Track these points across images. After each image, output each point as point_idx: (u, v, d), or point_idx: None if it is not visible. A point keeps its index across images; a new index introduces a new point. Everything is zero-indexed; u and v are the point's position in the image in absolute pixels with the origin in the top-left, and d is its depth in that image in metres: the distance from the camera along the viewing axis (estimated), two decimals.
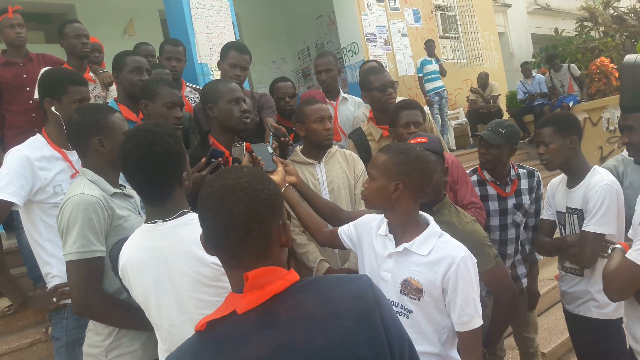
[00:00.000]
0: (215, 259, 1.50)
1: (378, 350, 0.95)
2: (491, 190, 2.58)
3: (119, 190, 1.89)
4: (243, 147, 2.20)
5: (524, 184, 2.62)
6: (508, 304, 2.23)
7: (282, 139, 2.54)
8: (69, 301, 1.88)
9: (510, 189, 2.58)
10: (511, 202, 2.57)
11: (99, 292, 1.75)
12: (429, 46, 8.04)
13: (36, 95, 3.18)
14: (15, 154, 2.04)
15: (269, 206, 1.01)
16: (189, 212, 1.59)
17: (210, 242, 1.04)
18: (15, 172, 1.98)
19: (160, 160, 1.51)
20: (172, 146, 1.54)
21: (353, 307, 0.97)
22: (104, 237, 1.76)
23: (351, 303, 0.97)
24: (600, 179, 2.25)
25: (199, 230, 1.52)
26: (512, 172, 2.61)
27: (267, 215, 1.01)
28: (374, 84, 2.93)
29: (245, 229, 0.98)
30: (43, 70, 2.42)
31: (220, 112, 2.29)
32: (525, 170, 2.65)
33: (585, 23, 10.86)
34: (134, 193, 1.98)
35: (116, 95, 2.99)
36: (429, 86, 7.92)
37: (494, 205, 2.57)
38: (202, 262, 1.50)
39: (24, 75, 3.48)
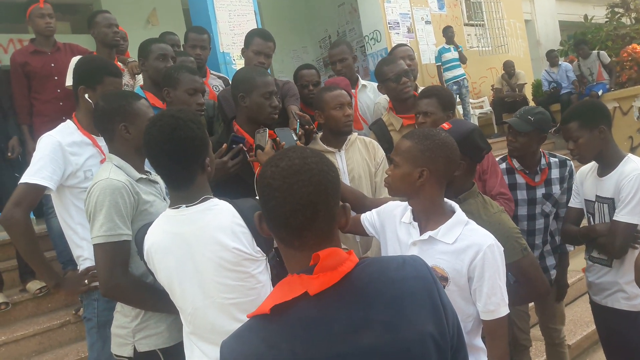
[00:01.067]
0: (238, 245, 1.53)
1: (441, 328, 0.98)
2: (520, 179, 2.54)
3: (144, 176, 1.92)
4: (266, 134, 2.21)
5: (555, 173, 2.56)
6: (534, 297, 2.19)
7: (307, 126, 2.54)
8: None
9: (540, 178, 2.53)
10: (540, 191, 2.52)
11: (125, 275, 1.78)
12: (448, 33, 7.82)
13: (68, 82, 3.25)
14: (48, 139, 2.08)
15: (334, 188, 1.01)
16: (212, 197, 1.61)
17: (274, 223, 1.01)
18: (48, 157, 2.03)
19: (183, 145, 1.53)
20: (195, 132, 1.55)
21: (417, 287, 0.99)
22: (130, 222, 1.79)
23: (414, 283, 1.00)
24: (634, 168, 2.19)
25: (222, 216, 1.55)
26: (543, 161, 2.55)
27: (333, 197, 1.00)
28: (388, 74, 2.89)
29: (313, 210, 0.97)
30: (80, 57, 2.45)
31: (251, 103, 2.28)
32: (557, 159, 2.59)
33: (616, 9, 10.50)
34: (159, 179, 2.01)
35: (142, 83, 3.03)
36: (447, 75, 7.70)
37: (522, 195, 2.52)
38: (225, 247, 1.53)
39: (52, 65, 3.55)
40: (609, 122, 2.30)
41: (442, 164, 1.63)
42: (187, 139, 1.53)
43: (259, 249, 1.58)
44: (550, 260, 2.63)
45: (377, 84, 3.71)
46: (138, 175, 1.89)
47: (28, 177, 2.00)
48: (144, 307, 1.84)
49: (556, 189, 2.55)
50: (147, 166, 1.99)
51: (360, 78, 3.80)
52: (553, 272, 2.67)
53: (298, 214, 0.96)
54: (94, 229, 1.76)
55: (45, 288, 3.30)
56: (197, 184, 1.59)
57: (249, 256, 1.55)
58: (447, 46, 7.81)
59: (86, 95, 2.14)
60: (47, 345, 3.12)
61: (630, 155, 2.28)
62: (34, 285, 3.31)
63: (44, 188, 2.01)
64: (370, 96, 3.68)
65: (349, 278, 0.96)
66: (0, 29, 6.78)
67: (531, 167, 2.53)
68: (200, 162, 1.59)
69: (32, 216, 3.60)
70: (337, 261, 0.97)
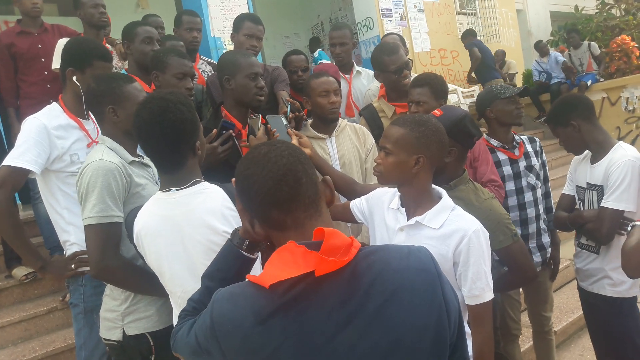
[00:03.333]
0: (227, 228, 1.51)
1: (440, 321, 0.97)
2: (502, 156, 2.57)
3: (137, 159, 1.90)
4: (259, 120, 2.21)
5: (529, 147, 2.65)
6: (522, 282, 2.21)
7: (296, 113, 2.53)
8: (87, 269, 1.91)
9: (519, 152, 2.59)
10: (522, 164, 2.57)
11: (116, 256, 1.77)
12: (312, 43, 7.69)
13: (55, 65, 3.18)
14: (32, 122, 2.04)
15: (307, 161, 1.06)
16: (202, 181, 1.60)
17: (262, 208, 1.03)
18: (32, 140, 1.99)
19: (173, 128, 1.51)
20: (185, 114, 1.53)
21: (418, 280, 0.98)
22: (122, 204, 1.78)
23: (416, 275, 0.98)
24: (623, 155, 2.21)
25: (212, 199, 1.55)
26: (516, 137, 2.63)
27: (309, 167, 1.05)
28: (389, 66, 2.85)
29: (294, 177, 1.01)
30: (68, 38, 2.39)
31: (236, 85, 2.26)
32: (525, 137, 2.69)
33: (606, 0, 10.55)
34: (151, 162, 1.99)
35: (127, 67, 2.99)
36: None
37: (507, 170, 2.56)
38: (214, 231, 1.52)
39: (39, 46, 3.48)
40: (583, 114, 2.32)
41: (436, 149, 1.63)
42: (177, 122, 1.51)
43: None
44: (546, 238, 2.66)
45: (371, 70, 3.72)
46: (131, 157, 1.87)
47: (11, 160, 1.97)
48: (134, 289, 1.83)
49: (534, 161, 2.62)
50: (140, 150, 1.97)
51: (355, 64, 3.79)
52: (549, 250, 2.70)
53: (282, 184, 1.00)
54: (86, 210, 1.74)
55: (32, 274, 3.27)
56: (188, 167, 1.58)
57: None
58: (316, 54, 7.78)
59: (74, 78, 2.09)
60: (34, 332, 3.09)
61: (620, 142, 2.30)
62: (20, 272, 3.27)
63: (27, 171, 1.98)
64: (364, 83, 3.67)
65: (351, 263, 0.95)
66: None
67: (508, 143, 2.59)
68: (191, 145, 1.58)
69: (18, 202, 3.56)
70: (342, 242, 0.95)
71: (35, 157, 1.98)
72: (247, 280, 1.00)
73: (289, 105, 2.53)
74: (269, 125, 2.21)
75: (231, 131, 2.19)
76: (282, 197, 1.00)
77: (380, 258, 0.99)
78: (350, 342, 0.92)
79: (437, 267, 1.02)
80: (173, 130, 1.51)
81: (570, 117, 2.32)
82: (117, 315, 1.83)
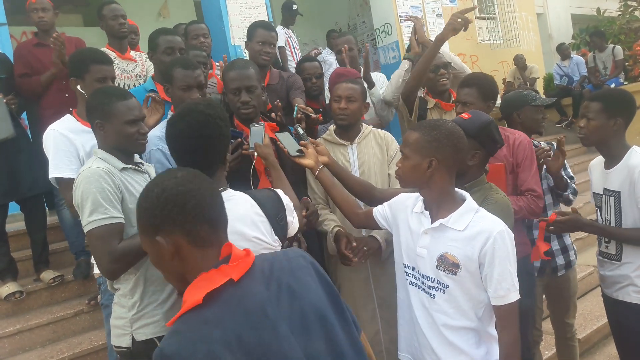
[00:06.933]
0: (257, 234, 1.55)
1: (331, 289, 1.25)
2: None
3: (128, 166, 1.88)
4: (262, 129, 2.10)
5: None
6: None
7: (312, 116, 2.51)
8: None
9: None
10: (543, 167, 2.56)
11: (121, 255, 1.72)
12: None
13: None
14: (50, 133, 2.18)
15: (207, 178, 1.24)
16: (228, 189, 1.63)
17: (195, 219, 1.12)
18: (56, 149, 2.13)
19: (211, 142, 1.55)
20: (222, 129, 1.57)
21: (302, 262, 1.25)
22: (119, 205, 1.76)
23: (301, 259, 1.25)
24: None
25: (240, 206, 1.58)
26: (535, 142, 2.63)
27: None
28: None
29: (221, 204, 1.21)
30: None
31: (228, 101, 2.34)
32: (544, 143, 2.69)
33: (629, 2, 10.37)
34: (151, 169, 2.01)
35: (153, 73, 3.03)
36: None
37: None
38: (244, 237, 1.54)
39: None
40: (629, 116, 2.25)
41: (450, 153, 1.66)
42: (214, 137, 1.55)
43: (276, 237, 1.60)
44: (568, 240, 2.66)
45: (380, 74, 3.90)
46: (122, 165, 1.85)
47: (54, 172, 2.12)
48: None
49: None
50: (137, 157, 2.00)
51: (361, 70, 3.86)
52: (572, 253, 2.70)
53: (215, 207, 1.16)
54: (84, 217, 1.73)
55: (59, 278, 3.34)
56: (217, 177, 1.61)
57: (268, 245, 1.57)
58: None
59: (78, 87, 2.21)
60: (61, 334, 3.16)
61: (634, 147, 2.25)
62: (47, 275, 3.35)
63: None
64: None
65: (255, 265, 1.17)
66: (13, 21, 6.83)
67: None
68: (222, 157, 1.62)
69: (45, 207, 3.64)
70: (239, 252, 1.15)
71: (67, 165, 2.11)
72: (171, 325, 1.07)
73: (301, 115, 2.51)
74: (280, 144, 2.17)
75: (240, 139, 2.18)
76: (214, 215, 1.18)
77: (271, 257, 1.23)
78: (286, 311, 1.12)
79: (309, 257, 1.29)
80: (210, 146, 1.55)
81: (620, 113, 2.22)
82: (126, 322, 1.83)
